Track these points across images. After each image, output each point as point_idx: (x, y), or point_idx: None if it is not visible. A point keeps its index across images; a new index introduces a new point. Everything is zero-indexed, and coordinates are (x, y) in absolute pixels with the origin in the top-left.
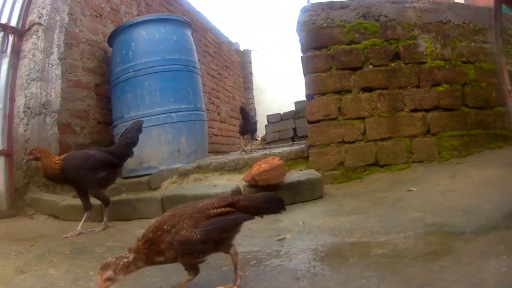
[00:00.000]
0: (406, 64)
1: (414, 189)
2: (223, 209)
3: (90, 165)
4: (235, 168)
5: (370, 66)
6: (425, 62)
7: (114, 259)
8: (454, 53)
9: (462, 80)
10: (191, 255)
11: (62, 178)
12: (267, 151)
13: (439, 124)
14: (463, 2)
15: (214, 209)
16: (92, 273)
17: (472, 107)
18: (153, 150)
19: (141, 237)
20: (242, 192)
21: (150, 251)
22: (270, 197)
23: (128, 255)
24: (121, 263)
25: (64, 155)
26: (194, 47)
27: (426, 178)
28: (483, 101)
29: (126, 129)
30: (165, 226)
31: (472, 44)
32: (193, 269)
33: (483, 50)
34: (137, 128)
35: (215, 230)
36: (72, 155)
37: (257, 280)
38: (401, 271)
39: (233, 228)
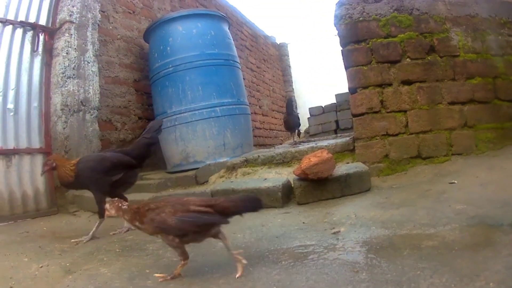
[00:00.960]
0: (441, 57)
1: (456, 182)
2: (202, 208)
3: (105, 167)
4: (283, 161)
5: (408, 59)
6: (458, 55)
7: (116, 201)
8: (484, 46)
9: (493, 73)
10: (166, 234)
11: (78, 183)
12: (313, 144)
13: (475, 117)
14: None
15: (194, 206)
16: (148, 271)
17: (504, 100)
18: (199, 145)
19: (136, 203)
20: (293, 185)
21: (136, 216)
22: (247, 197)
23: (125, 204)
24: (118, 204)
25: (77, 159)
26: (232, 41)
27: (465, 171)
28: None
29: (145, 129)
30: (152, 205)
31: (499, 37)
32: (180, 254)
33: (510, 44)
34: (157, 128)
35: (188, 223)
36: (85, 158)
37: (318, 274)
38: (450, 262)
39: (205, 226)
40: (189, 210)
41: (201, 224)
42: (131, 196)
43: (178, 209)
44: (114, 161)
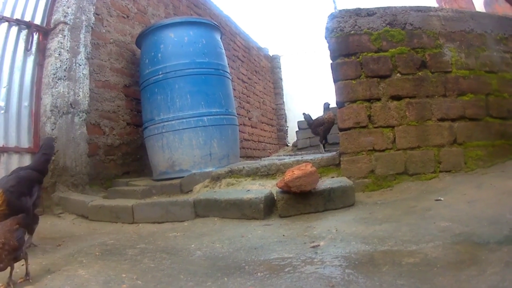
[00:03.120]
0: (432, 73)
1: (442, 199)
2: (17, 226)
3: (27, 187)
4: (267, 173)
5: (398, 75)
6: (450, 71)
7: None
8: (478, 63)
9: (486, 90)
10: (15, 258)
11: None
12: (299, 157)
13: (465, 133)
14: (484, 11)
15: (15, 226)
16: (124, 275)
17: (496, 117)
18: (185, 153)
19: None
20: (276, 198)
21: None
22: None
23: None
24: None
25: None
26: (223, 51)
27: (453, 188)
28: (506, 111)
29: (42, 144)
30: None
31: (494, 53)
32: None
33: (504, 60)
34: (52, 145)
35: (19, 238)
36: (4, 184)
37: (293, 287)
38: (431, 280)
39: (24, 236)
40: (15, 230)
41: (22, 236)
42: (116, 202)
43: (12, 234)
44: (33, 178)
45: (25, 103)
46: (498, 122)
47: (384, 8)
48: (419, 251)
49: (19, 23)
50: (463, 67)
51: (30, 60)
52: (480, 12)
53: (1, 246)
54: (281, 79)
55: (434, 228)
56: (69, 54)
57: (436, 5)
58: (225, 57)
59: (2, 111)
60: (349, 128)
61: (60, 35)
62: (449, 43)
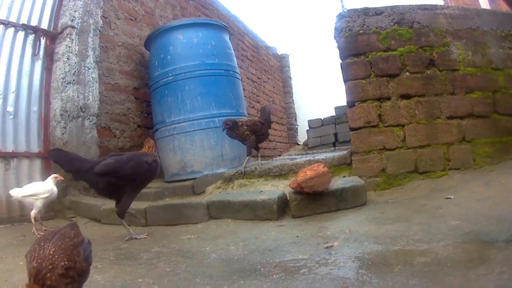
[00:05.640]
0: (440, 71)
1: (452, 197)
2: (81, 237)
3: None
4: (279, 174)
5: (407, 73)
6: (458, 69)
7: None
8: (484, 60)
9: (493, 87)
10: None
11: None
12: (310, 157)
13: (473, 131)
14: (488, 7)
15: (79, 237)
16: (140, 280)
17: (503, 114)
18: (196, 155)
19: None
20: (288, 198)
21: None
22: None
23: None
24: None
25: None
26: (232, 51)
27: (462, 186)
28: None
29: None
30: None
31: (500, 50)
32: None
33: (510, 57)
34: None
35: (87, 256)
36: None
37: None
38: (442, 279)
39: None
40: (80, 243)
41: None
42: None
43: (76, 245)
44: None
45: (34, 108)
46: (505, 119)
47: (392, 7)
48: (430, 250)
49: (26, 28)
50: (470, 64)
51: (38, 64)
52: (485, 9)
53: (63, 272)
54: (290, 77)
55: (444, 227)
56: (77, 58)
57: (442, 2)
58: (234, 58)
59: (11, 116)
60: (360, 128)
61: (68, 39)
62: (456, 41)
